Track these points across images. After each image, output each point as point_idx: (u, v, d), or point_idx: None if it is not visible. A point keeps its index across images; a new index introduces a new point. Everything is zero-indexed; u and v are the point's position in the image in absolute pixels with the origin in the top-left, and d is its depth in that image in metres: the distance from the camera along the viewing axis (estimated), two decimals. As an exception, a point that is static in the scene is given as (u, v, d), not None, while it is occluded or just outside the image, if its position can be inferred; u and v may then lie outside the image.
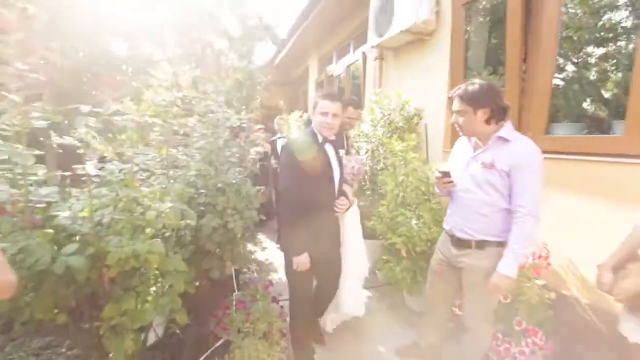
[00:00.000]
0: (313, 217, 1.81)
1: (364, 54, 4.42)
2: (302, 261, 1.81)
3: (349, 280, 2.20)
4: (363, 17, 3.93)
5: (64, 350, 2.09)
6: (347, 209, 2.05)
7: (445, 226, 1.78)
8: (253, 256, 2.56)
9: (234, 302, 2.15)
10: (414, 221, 2.46)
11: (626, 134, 1.73)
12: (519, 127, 2.30)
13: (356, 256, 2.27)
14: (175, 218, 1.30)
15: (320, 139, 1.84)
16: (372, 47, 3.59)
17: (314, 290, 2.14)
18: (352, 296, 2.24)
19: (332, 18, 4.91)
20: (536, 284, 1.88)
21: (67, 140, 1.29)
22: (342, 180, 1.99)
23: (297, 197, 1.76)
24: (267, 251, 2.69)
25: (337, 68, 5.54)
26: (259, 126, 4.69)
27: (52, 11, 2.79)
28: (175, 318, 1.72)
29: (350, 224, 2.24)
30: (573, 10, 3.74)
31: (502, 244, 1.52)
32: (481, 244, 1.57)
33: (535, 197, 1.46)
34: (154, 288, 1.44)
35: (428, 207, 2.42)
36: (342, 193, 1.99)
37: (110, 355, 1.63)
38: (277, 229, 2.18)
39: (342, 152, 1.95)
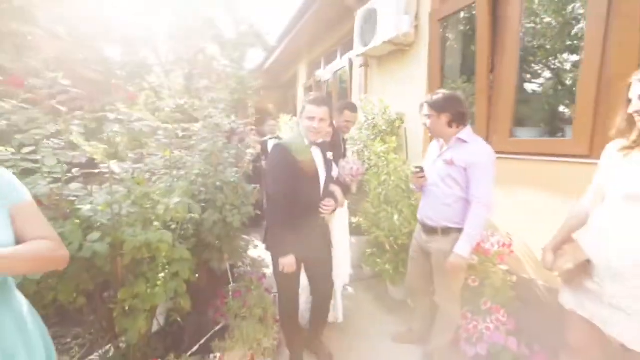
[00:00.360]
0: (298, 219, 1.82)
1: (350, 60, 4.67)
2: (288, 262, 1.82)
3: (336, 284, 2.24)
4: (350, 26, 4.17)
5: (69, 340, 2.24)
6: (334, 211, 2.04)
7: (418, 216, 2.04)
8: (247, 252, 2.76)
9: (231, 292, 2.33)
10: (395, 217, 2.69)
11: (574, 137, 2.00)
12: (487, 131, 2.57)
13: (341, 258, 2.27)
14: (183, 211, 1.49)
15: (307, 142, 1.86)
16: (358, 55, 3.84)
17: (311, 296, 2.15)
18: (337, 304, 2.33)
19: (320, 26, 5.14)
20: (500, 269, 2.13)
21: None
22: (329, 182, 1.98)
23: (282, 199, 1.78)
24: (259, 249, 2.86)
25: (325, 73, 5.78)
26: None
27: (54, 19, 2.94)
28: (175, 308, 1.91)
29: (338, 225, 2.26)
30: (548, 20, 4.09)
31: (462, 231, 1.77)
32: (446, 231, 1.83)
33: (487, 189, 1.73)
34: (162, 274, 1.62)
35: (408, 203, 2.65)
36: (329, 195, 1.98)
37: (120, 339, 1.81)
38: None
39: (329, 154, 1.96)
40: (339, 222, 2.29)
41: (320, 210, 1.91)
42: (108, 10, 4.16)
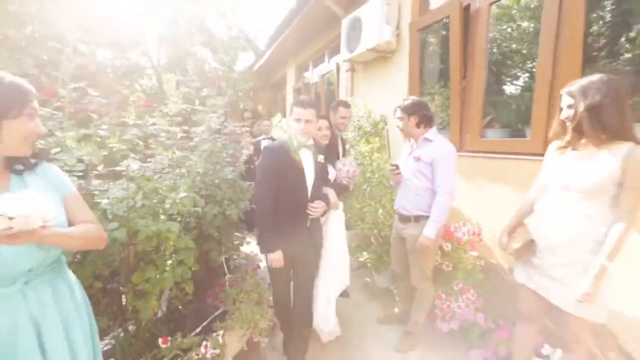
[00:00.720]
0: (285, 218, 1.88)
1: (337, 64, 4.90)
2: (275, 258, 1.87)
3: (327, 294, 2.19)
4: (337, 31, 4.40)
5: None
6: (324, 213, 2.06)
7: (395, 207, 2.32)
8: (242, 246, 2.95)
9: (228, 282, 2.53)
10: (380, 211, 2.94)
11: (532, 138, 2.28)
12: (461, 132, 2.84)
13: (337, 265, 2.24)
14: (189, 204, 1.68)
15: (295, 144, 1.89)
16: (344, 60, 4.08)
17: (294, 298, 2.15)
18: (329, 316, 2.22)
19: (308, 31, 5.36)
20: (471, 255, 2.40)
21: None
22: (319, 184, 1.99)
23: (268, 198, 1.83)
24: (253, 245, 3.04)
25: (313, 76, 6.00)
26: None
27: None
28: (177, 296, 2.10)
29: (333, 230, 2.22)
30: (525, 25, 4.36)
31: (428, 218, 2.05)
32: (417, 218, 2.11)
33: (449, 180, 2.02)
34: (169, 261, 1.81)
35: (390, 198, 2.90)
36: (319, 196, 1.99)
37: (128, 322, 1.98)
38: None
39: (321, 157, 1.99)
40: (335, 226, 2.25)
41: (308, 211, 1.93)
42: (100, 14, 4.29)
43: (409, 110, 2.13)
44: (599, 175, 1.33)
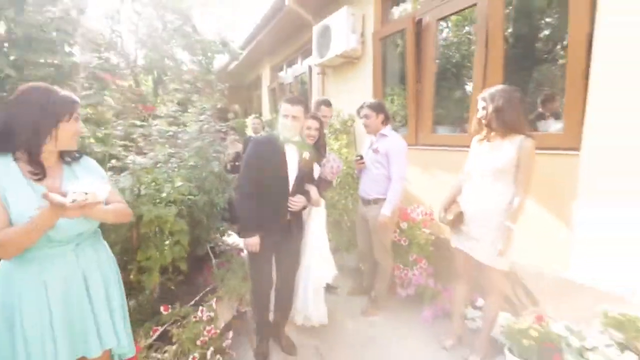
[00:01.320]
0: (265, 208, 1.96)
1: (309, 67, 5.26)
2: (252, 242, 1.95)
3: (313, 286, 2.32)
4: (309, 35, 4.75)
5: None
6: (304, 208, 2.14)
7: (359, 193, 2.73)
8: (225, 235, 3.26)
9: (215, 265, 2.84)
10: (348, 199, 3.35)
11: (470, 132, 2.76)
12: (416, 128, 3.30)
13: (320, 258, 2.35)
14: (185, 191, 2.00)
15: (281, 139, 1.97)
16: (316, 65, 4.45)
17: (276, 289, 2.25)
18: (318, 306, 2.40)
19: (281, 35, 5.67)
20: (424, 232, 2.86)
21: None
22: (301, 180, 2.06)
23: (249, 186, 1.93)
24: (234, 236, 3.34)
25: (287, 77, 6.33)
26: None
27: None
28: (169, 278, 2.38)
29: (315, 226, 2.33)
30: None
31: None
32: (377, 201, 2.52)
33: (401, 168, 2.45)
34: (167, 242, 2.11)
35: (356, 187, 3.31)
36: (301, 192, 2.06)
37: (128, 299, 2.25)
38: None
39: (306, 154, 2.02)
40: (317, 222, 2.35)
41: (289, 205, 2.01)
42: (78, 15, 4.40)
43: (378, 109, 2.54)
44: (503, 160, 1.79)
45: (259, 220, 1.97)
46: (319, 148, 2.28)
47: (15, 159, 1.12)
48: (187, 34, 5.12)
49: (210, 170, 2.42)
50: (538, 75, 3.85)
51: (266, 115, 7.28)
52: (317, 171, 2.29)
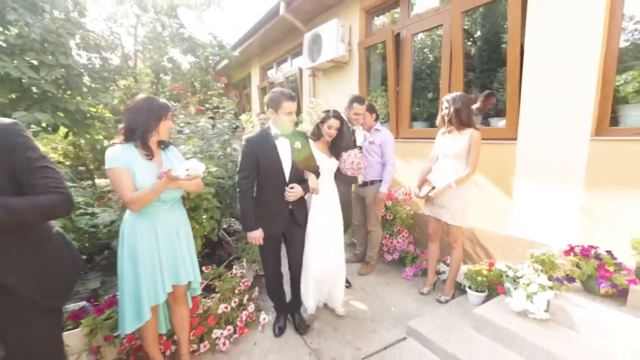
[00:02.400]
0: (265, 199, 2.11)
1: (300, 69, 5.80)
2: (254, 236, 2.10)
3: (313, 276, 2.41)
4: (299, 40, 5.30)
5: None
6: (300, 197, 2.17)
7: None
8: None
9: (231, 241, 3.38)
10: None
11: (437, 125, 3.44)
12: (397, 123, 3.95)
13: (323, 249, 2.41)
14: (220, 174, 2.53)
15: (273, 132, 2.09)
16: (307, 68, 5.01)
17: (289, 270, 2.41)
18: (339, 297, 2.57)
19: (272, 39, 6.17)
20: (405, 208, 3.53)
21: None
22: (296, 170, 2.12)
23: (247, 183, 2.05)
24: None
25: (278, 76, 6.83)
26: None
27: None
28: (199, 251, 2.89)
29: (316, 213, 2.39)
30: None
31: (381, 181, 3.10)
32: (372, 182, 3.15)
33: (392, 155, 3.10)
34: (204, 217, 2.63)
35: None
36: (298, 181, 2.14)
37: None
38: None
39: (297, 144, 2.11)
40: (317, 209, 2.40)
41: (285, 194, 2.09)
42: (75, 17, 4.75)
43: (371, 109, 3.18)
44: (459, 147, 2.46)
45: (260, 213, 2.10)
46: (336, 143, 2.41)
47: (136, 146, 1.64)
48: (187, 37, 5.54)
49: (232, 159, 2.96)
50: (490, 80, 4.63)
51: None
52: (333, 165, 2.43)
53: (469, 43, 6.23)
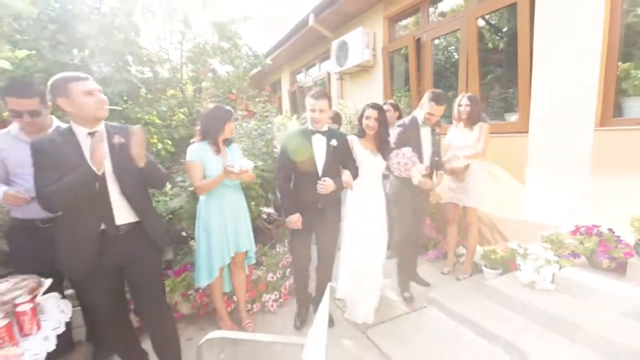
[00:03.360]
0: (299, 193, 2.22)
1: (328, 73, 6.25)
2: (293, 220, 2.21)
3: (344, 272, 2.47)
4: (327, 46, 5.75)
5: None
6: (332, 194, 2.21)
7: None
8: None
9: (270, 228, 3.87)
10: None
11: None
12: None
13: (358, 245, 2.40)
14: (264, 168, 3.02)
15: (310, 129, 2.20)
16: (335, 72, 5.45)
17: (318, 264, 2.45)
18: (363, 302, 2.45)
19: (301, 48, 6.67)
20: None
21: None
22: (330, 165, 2.20)
23: (283, 177, 2.25)
24: None
25: (307, 80, 7.32)
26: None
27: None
28: None
29: (348, 210, 2.42)
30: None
31: None
32: None
33: None
34: (252, 203, 3.13)
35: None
36: (332, 176, 2.19)
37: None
38: None
39: (334, 141, 2.20)
40: (350, 207, 2.42)
41: (317, 187, 2.16)
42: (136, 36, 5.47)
43: (395, 108, 3.54)
44: (472, 138, 2.78)
45: (295, 201, 2.25)
46: (381, 139, 2.38)
47: (208, 143, 2.15)
48: (226, 49, 6.15)
49: (274, 156, 3.44)
50: (503, 80, 4.83)
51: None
52: (379, 163, 2.40)
53: (497, 38, 6.43)
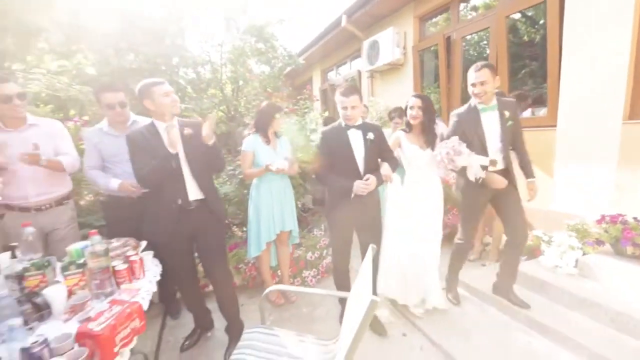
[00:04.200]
0: (339, 187, 2.15)
1: (359, 71, 6.49)
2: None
3: (384, 265, 2.45)
4: (357, 45, 5.99)
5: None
6: (377, 185, 2.12)
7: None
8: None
9: (309, 215, 4.20)
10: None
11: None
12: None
13: (396, 239, 2.40)
14: (304, 159, 3.35)
15: (343, 125, 2.17)
16: (366, 71, 5.68)
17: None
18: (435, 289, 2.45)
19: (332, 47, 6.95)
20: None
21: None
22: (370, 159, 2.16)
23: (323, 173, 2.22)
24: None
25: (338, 78, 7.59)
26: None
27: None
28: None
29: (389, 205, 2.45)
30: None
31: None
32: None
33: None
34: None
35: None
36: (372, 170, 2.15)
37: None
38: None
39: (370, 135, 2.14)
40: (390, 201, 2.42)
41: (360, 187, 2.05)
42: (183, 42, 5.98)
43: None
44: None
45: (337, 200, 2.18)
46: (427, 130, 2.35)
47: (260, 135, 2.50)
48: (263, 51, 6.56)
49: (311, 148, 3.77)
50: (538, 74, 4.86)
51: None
52: (427, 157, 2.34)
53: (533, 30, 6.39)
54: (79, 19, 3.31)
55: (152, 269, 1.79)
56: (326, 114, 5.80)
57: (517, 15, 5.63)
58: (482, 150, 2.21)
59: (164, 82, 1.93)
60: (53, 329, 1.18)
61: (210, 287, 2.67)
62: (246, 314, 2.48)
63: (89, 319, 1.18)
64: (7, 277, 1.40)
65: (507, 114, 2.22)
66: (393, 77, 5.39)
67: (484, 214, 2.61)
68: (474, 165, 2.16)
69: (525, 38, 6.46)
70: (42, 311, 1.26)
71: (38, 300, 1.28)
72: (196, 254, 2.18)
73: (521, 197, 2.35)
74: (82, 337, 1.08)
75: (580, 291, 2.31)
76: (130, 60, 4.78)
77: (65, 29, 3.13)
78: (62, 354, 1.01)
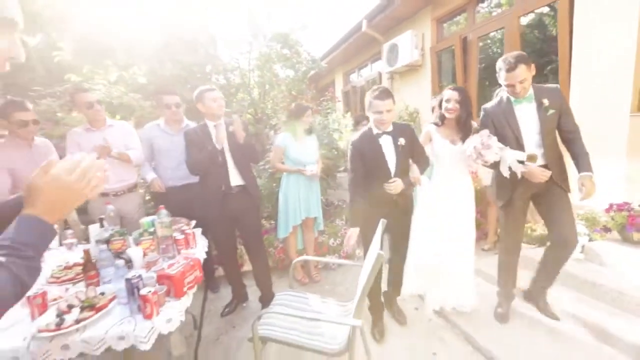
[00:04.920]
0: (371, 196, 2.08)
1: (379, 72, 6.74)
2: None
3: (413, 264, 2.39)
4: (378, 48, 6.25)
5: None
6: (406, 188, 2.08)
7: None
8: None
9: (332, 207, 4.52)
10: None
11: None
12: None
13: (424, 239, 2.35)
14: (326, 156, 3.67)
15: (375, 132, 2.09)
16: (386, 72, 5.94)
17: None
18: (468, 289, 2.38)
19: (353, 51, 7.25)
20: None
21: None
22: (402, 163, 2.09)
23: (355, 182, 2.11)
24: None
25: (360, 80, 7.88)
26: None
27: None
28: None
29: (419, 206, 2.38)
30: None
31: None
32: None
33: None
34: (315, 184, 3.81)
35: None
36: (404, 174, 2.10)
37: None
38: None
39: (401, 140, 2.06)
40: (420, 202, 2.38)
41: (387, 188, 2.03)
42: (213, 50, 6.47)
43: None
44: None
45: (369, 205, 2.09)
46: (464, 124, 2.24)
47: (290, 133, 2.85)
48: (288, 57, 6.99)
49: (333, 146, 4.10)
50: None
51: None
52: (458, 152, 2.23)
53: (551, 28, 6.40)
54: (135, 36, 3.84)
55: (202, 242, 2.18)
56: (348, 114, 6.11)
57: (546, 9, 5.70)
58: (518, 145, 2.04)
59: (215, 89, 2.34)
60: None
61: (245, 267, 3.08)
62: (276, 289, 2.84)
63: (163, 270, 1.57)
64: (97, 241, 1.83)
65: (546, 102, 1.98)
66: (412, 77, 5.62)
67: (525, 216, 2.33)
68: (507, 160, 1.99)
69: (554, 33, 6.46)
70: (128, 263, 1.67)
71: (124, 256, 1.70)
72: (237, 234, 2.59)
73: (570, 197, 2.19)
74: (161, 279, 1.47)
75: (586, 274, 2.48)
76: (170, 68, 5.34)
77: (124, 44, 3.67)
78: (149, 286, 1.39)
